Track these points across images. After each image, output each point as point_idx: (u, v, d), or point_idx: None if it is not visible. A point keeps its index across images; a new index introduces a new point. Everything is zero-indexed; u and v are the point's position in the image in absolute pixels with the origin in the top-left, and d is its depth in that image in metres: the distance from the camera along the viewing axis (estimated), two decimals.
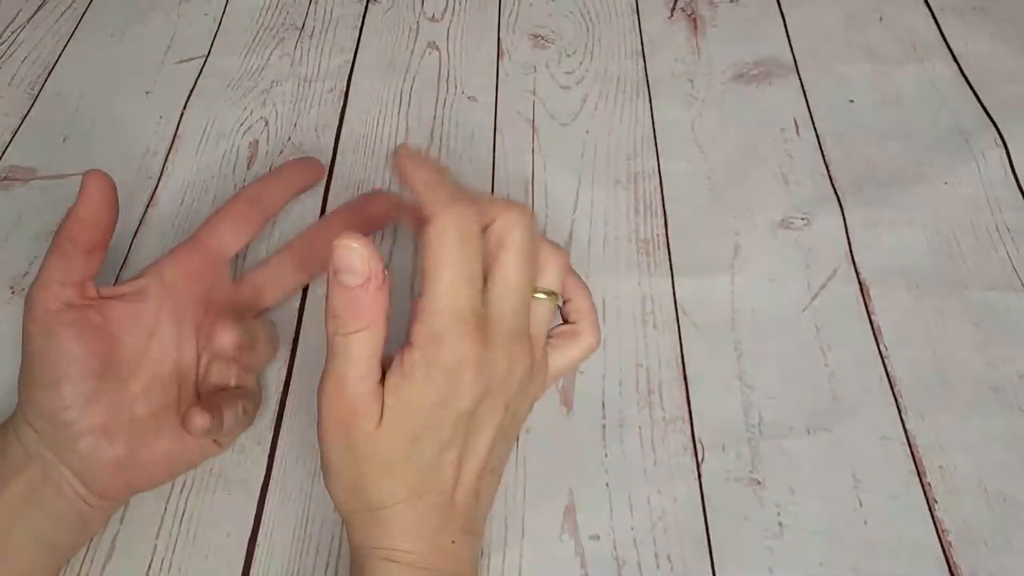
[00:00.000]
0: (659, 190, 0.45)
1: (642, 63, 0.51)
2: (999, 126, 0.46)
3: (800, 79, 0.50)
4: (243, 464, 0.36)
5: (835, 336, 0.39)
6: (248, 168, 0.46)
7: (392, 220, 0.43)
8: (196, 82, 0.51)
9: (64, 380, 0.30)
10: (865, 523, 0.33)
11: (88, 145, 0.47)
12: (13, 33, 0.54)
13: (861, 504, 0.34)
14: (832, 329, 0.39)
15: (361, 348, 0.27)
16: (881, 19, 0.53)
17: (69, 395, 0.30)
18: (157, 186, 0.45)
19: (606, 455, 0.36)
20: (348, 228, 0.27)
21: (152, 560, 0.33)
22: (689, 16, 0.54)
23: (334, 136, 0.48)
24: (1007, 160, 0.45)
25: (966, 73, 0.49)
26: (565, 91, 0.50)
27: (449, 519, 0.29)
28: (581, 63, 0.51)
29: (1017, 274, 0.41)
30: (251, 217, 0.39)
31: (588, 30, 0.53)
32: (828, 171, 0.45)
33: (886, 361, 0.38)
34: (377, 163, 0.46)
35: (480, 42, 0.53)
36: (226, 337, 0.33)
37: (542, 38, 0.53)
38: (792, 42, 0.52)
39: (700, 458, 0.35)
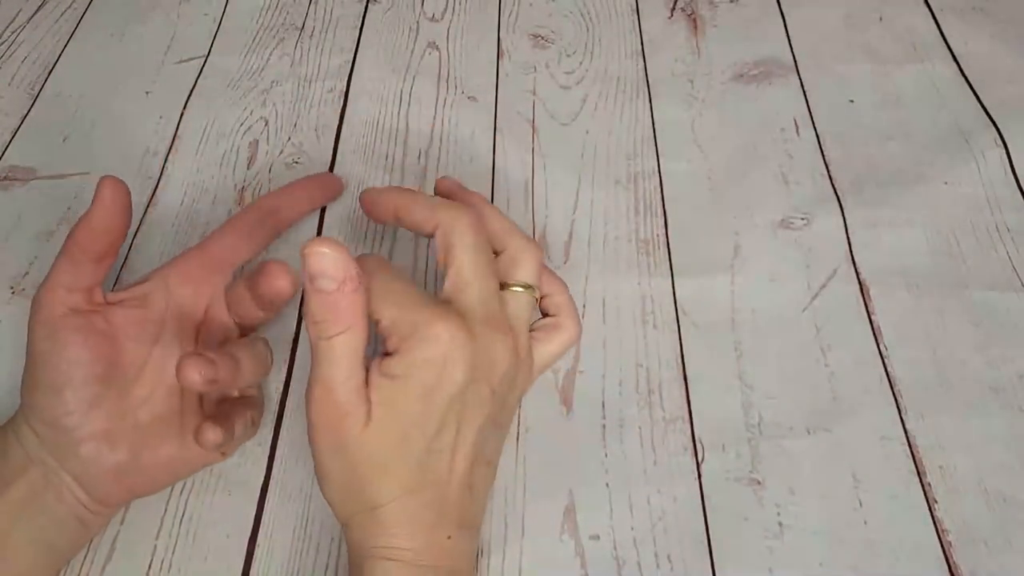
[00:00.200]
0: (659, 190, 0.45)
1: (642, 63, 0.51)
2: (999, 126, 0.46)
3: (800, 79, 0.50)
4: (243, 465, 0.36)
5: (835, 336, 0.39)
6: (248, 168, 0.46)
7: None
8: (196, 82, 0.51)
9: (67, 385, 0.30)
10: (865, 523, 0.33)
11: (88, 145, 0.47)
12: (13, 33, 0.54)
13: (861, 504, 0.34)
14: (832, 329, 0.39)
15: (343, 350, 0.28)
16: (881, 19, 0.53)
17: (71, 401, 0.30)
18: (157, 186, 0.45)
19: (606, 455, 0.36)
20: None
21: (152, 561, 0.33)
22: (689, 16, 0.54)
23: (334, 136, 0.48)
24: (1007, 160, 0.45)
25: (966, 73, 0.49)
26: (565, 91, 0.50)
27: (444, 514, 0.30)
28: (581, 63, 0.51)
29: (1017, 274, 0.41)
30: (262, 230, 0.39)
31: (588, 30, 0.53)
32: (828, 171, 0.45)
33: (886, 361, 0.38)
34: (377, 163, 0.46)
35: (480, 42, 0.53)
36: (210, 436, 0.31)
37: (542, 38, 0.53)
38: (792, 42, 0.52)
39: (700, 458, 0.35)
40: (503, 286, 0.33)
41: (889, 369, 0.38)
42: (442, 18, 0.54)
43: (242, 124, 0.48)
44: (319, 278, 0.27)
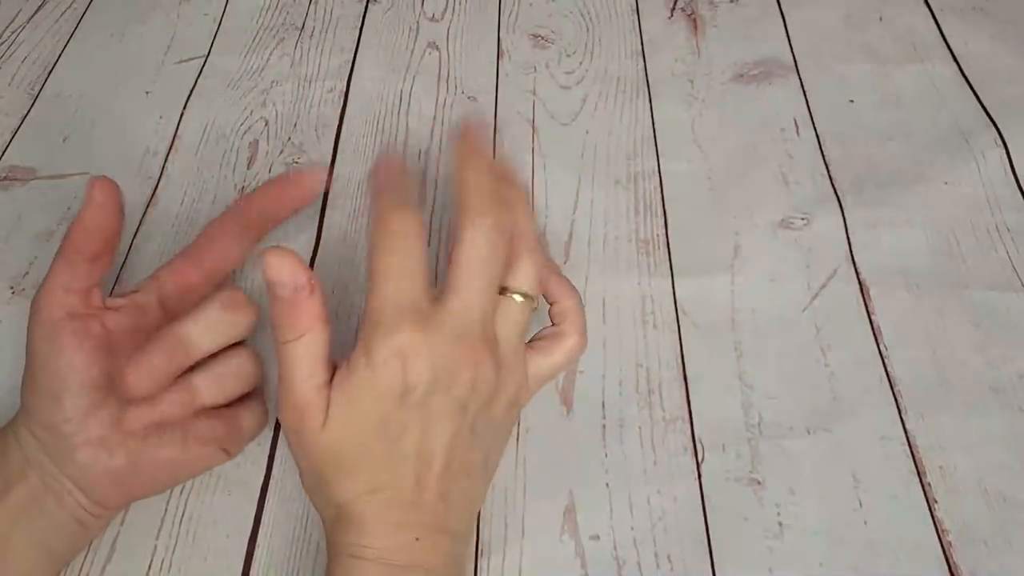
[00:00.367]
0: (659, 190, 0.45)
1: (642, 63, 0.51)
2: (999, 126, 0.46)
3: (800, 79, 0.50)
4: (243, 465, 0.36)
5: (835, 336, 0.39)
6: (248, 168, 0.46)
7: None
8: (196, 82, 0.51)
9: (64, 392, 0.30)
10: (865, 523, 0.33)
11: (88, 145, 0.47)
12: (13, 33, 0.54)
13: (861, 504, 0.34)
14: (832, 329, 0.39)
15: (304, 352, 0.29)
16: (881, 19, 0.53)
17: (69, 408, 0.30)
18: (157, 186, 0.45)
19: (606, 455, 0.36)
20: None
21: (152, 561, 0.33)
22: (689, 16, 0.54)
23: (334, 136, 0.48)
24: (1007, 160, 0.45)
25: (966, 73, 0.49)
26: (565, 91, 0.50)
27: (411, 516, 0.29)
28: (581, 63, 0.51)
29: (1017, 274, 0.41)
30: (248, 231, 0.38)
31: (588, 30, 0.53)
32: (828, 171, 0.45)
33: (886, 361, 0.38)
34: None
35: (480, 42, 0.53)
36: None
37: (542, 38, 0.53)
38: (792, 42, 0.52)
39: (700, 458, 0.35)
40: (503, 291, 0.32)
41: (889, 369, 0.38)
42: (442, 18, 0.54)
43: (242, 124, 0.48)
44: (275, 285, 0.28)
